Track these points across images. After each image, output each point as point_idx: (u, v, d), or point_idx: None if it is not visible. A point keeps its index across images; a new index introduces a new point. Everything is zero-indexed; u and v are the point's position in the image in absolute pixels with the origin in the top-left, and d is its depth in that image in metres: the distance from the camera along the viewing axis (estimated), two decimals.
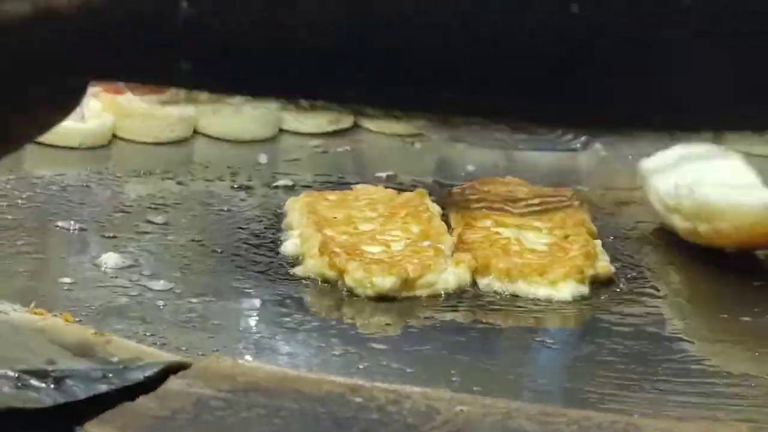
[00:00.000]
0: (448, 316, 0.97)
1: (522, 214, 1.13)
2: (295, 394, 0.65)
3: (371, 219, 1.10)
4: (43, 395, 0.63)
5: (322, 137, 1.41)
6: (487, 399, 0.69)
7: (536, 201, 1.17)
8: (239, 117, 1.40)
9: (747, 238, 1.07)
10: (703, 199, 1.09)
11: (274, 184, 1.25)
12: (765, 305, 1.01)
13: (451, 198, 1.16)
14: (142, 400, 0.62)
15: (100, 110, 1.36)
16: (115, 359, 0.69)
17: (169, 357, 0.71)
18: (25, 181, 1.19)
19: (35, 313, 0.78)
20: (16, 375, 0.64)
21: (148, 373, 0.67)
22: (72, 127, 1.32)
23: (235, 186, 1.24)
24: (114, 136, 1.36)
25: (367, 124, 1.44)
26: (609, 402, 0.81)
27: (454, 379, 0.83)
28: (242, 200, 1.20)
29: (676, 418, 0.77)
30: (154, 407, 0.61)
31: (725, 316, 1.02)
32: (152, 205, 1.15)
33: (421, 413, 0.64)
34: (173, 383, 0.65)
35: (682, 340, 0.96)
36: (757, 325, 0.99)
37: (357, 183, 1.21)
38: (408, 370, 0.85)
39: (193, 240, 1.07)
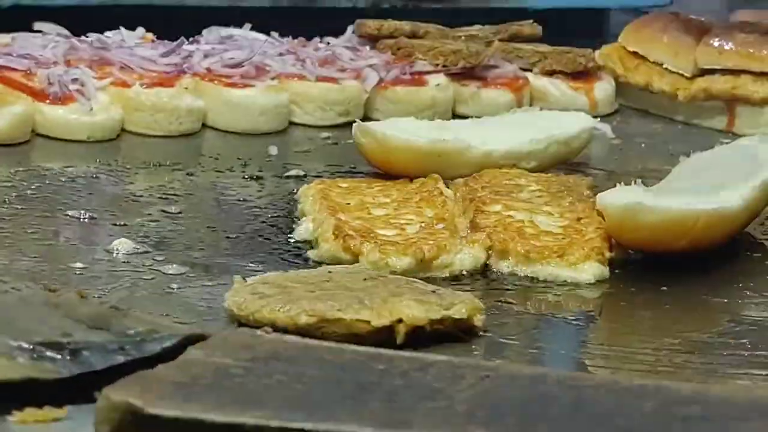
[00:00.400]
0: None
1: (528, 200, 1.12)
2: (316, 362, 0.65)
3: (384, 204, 1.10)
4: (59, 366, 0.64)
5: (332, 129, 1.41)
6: (514, 365, 0.69)
7: (539, 188, 1.17)
8: (249, 109, 1.40)
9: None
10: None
11: (286, 174, 1.25)
12: None
13: (455, 188, 1.16)
14: (161, 368, 0.63)
15: (108, 103, 1.36)
16: (132, 331, 0.69)
17: (187, 329, 0.72)
18: (34, 173, 1.19)
19: (50, 290, 0.78)
20: (32, 347, 0.65)
21: (167, 344, 0.68)
22: (80, 120, 1.33)
23: (246, 177, 1.24)
24: (123, 129, 1.36)
25: (377, 115, 1.44)
26: None
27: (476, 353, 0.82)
28: (254, 190, 1.20)
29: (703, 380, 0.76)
30: (173, 374, 0.62)
31: None
32: (163, 196, 1.15)
33: (446, 378, 0.63)
34: (192, 353, 0.66)
35: None
36: None
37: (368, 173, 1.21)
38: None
39: (206, 227, 1.07)
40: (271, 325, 0.77)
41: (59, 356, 0.64)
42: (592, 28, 1.98)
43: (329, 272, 0.91)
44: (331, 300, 0.82)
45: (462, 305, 0.84)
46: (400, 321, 0.81)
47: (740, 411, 0.61)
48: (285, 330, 0.78)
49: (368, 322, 0.80)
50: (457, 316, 0.84)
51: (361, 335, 0.79)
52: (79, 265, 0.95)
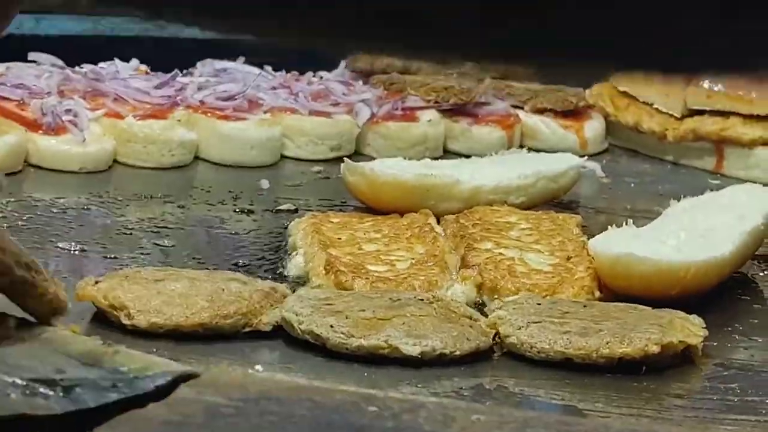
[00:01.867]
0: None
1: (518, 238, 1.12)
2: (307, 403, 0.65)
3: (376, 240, 1.10)
4: (52, 403, 0.64)
5: (324, 163, 1.41)
6: (504, 408, 0.68)
7: (529, 226, 1.17)
8: (241, 142, 1.40)
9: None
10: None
11: (277, 208, 1.25)
12: None
13: (445, 224, 1.16)
14: (152, 407, 0.63)
15: (101, 134, 1.36)
16: (125, 368, 0.69)
17: (178, 367, 0.71)
18: (25, 204, 1.18)
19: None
20: (25, 383, 0.65)
21: (159, 382, 0.68)
22: (73, 151, 1.32)
23: (237, 210, 1.23)
24: (115, 160, 1.36)
25: (368, 150, 1.45)
26: None
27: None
28: (245, 224, 1.20)
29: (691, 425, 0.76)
30: (164, 413, 0.62)
31: None
32: (154, 228, 1.15)
33: (437, 421, 0.63)
34: (183, 392, 0.66)
35: None
36: None
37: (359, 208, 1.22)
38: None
39: (194, 259, 1.06)
40: None
41: (52, 393, 0.64)
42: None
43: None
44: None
45: None
46: None
47: None
48: None
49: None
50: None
51: None
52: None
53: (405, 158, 1.30)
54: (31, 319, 0.77)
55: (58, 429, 0.62)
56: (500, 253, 1.09)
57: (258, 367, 0.73)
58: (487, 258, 1.07)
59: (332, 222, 1.14)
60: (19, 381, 0.64)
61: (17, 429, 0.61)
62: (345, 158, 1.27)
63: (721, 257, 1.05)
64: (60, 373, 0.66)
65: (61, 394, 0.64)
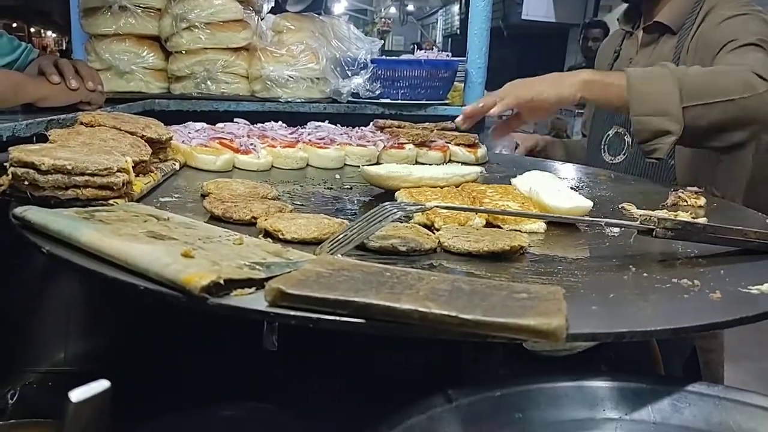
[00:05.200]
0: None
1: (491, 196, 1.06)
2: (360, 271, 0.64)
3: (436, 198, 1.02)
4: (261, 273, 0.62)
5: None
6: (443, 274, 0.66)
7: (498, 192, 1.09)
8: (327, 158, 1.38)
9: None
10: (537, 198, 1.04)
11: (344, 187, 1.21)
12: None
13: (461, 192, 1.10)
14: (293, 272, 0.61)
15: (266, 155, 1.35)
16: (293, 258, 0.68)
17: (310, 256, 0.69)
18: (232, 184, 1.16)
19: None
20: (249, 264, 0.63)
21: (303, 263, 0.66)
22: (254, 162, 1.32)
23: (327, 188, 1.20)
24: (272, 166, 1.35)
25: (383, 162, 1.42)
26: None
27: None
28: (329, 193, 1.15)
29: None
30: (298, 275, 0.61)
31: None
32: (290, 195, 1.10)
33: (415, 279, 0.61)
34: (306, 265, 0.64)
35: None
36: None
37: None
38: None
39: (309, 208, 1.02)
40: None
41: (260, 268, 0.62)
42: (477, 123, 1.98)
43: None
44: None
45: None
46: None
47: None
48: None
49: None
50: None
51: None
52: None
53: (397, 164, 1.28)
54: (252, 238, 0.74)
55: (263, 286, 0.59)
56: (496, 203, 1.02)
57: (338, 254, 0.72)
58: (492, 206, 1.00)
59: (413, 192, 1.06)
60: (246, 262, 0.63)
61: (246, 284, 0.59)
62: (362, 166, 1.22)
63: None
64: (263, 259, 0.65)
65: (265, 268, 0.63)
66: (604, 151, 1.72)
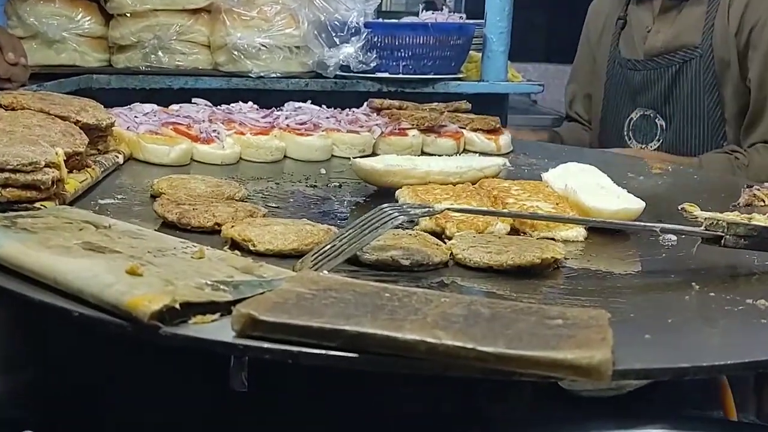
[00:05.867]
0: None
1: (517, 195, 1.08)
2: (351, 291, 0.64)
3: (448, 198, 1.04)
4: (227, 294, 0.62)
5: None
6: (456, 294, 0.67)
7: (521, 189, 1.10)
8: (310, 148, 1.39)
9: None
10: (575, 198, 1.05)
11: (330, 184, 1.22)
12: None
13: (478, 190, 1.10)
14: (267, 294, 0.62)
15: (232, 143, 1.37)
16: (266, 275, 0.68)
17: (287, 272, 0.70)
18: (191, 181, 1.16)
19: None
20: (211, 283, 0.64)
21: (279, 282, 0.66)
22: (217, 153, 1.34)
23: (308, 185, 1.21)
24: (240, 158, 1.35)
25: (380, 152, 1.43)
26: None
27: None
28: (312, 192, 1.16)
29: None
30: (273, 297, 0.61)
31: None
32: (262, 195, 1.12)
33: (422, 302, 0.62)
34: (283, 285, 0.65)
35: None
36: None
37: None
38: None
39: (287, 211, 1.04)
40: None
41: (226, 288, 0.63)
42: (499, 104, 1.99)
43: None
44: None
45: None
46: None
47: None
48: None
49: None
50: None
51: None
52: None
53: (397, 156, 1.28)
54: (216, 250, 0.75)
55: (228, 309, 0.61)
56: (522, 204, 1.02)
57: (324, 271, 0.72)
58: (517, 207, 1.01)
59: (418, 190, 1.07)
60: (208, 282, 0.64)
61: (207, 309, 0.60)
62: (352, 158, 1.22)
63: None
64: (230, 277, 0.66)
65: (232, 288, 0.63)
66: (630, 138, 1.73)
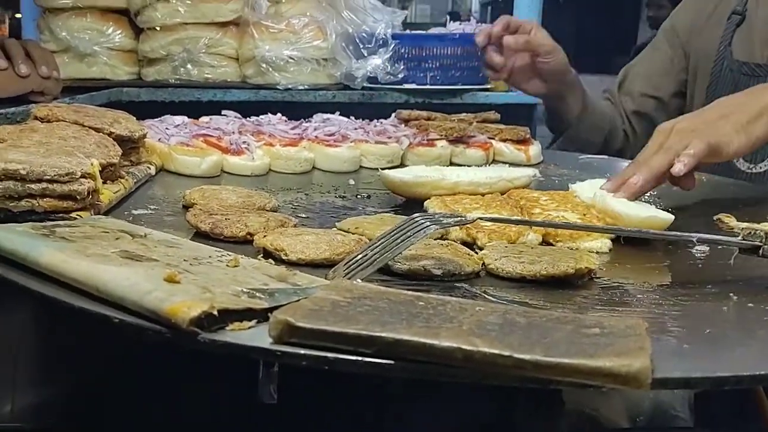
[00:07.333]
0: None
1: (544, 205, 1.08)
2: (386, 300, 0.64)
3: (477, 207, 1.05)
4: (263, 302, 0.63)
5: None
6: (490, 303, 0.67)
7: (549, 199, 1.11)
8: (338, 159, 1.40)
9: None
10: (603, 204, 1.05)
11: (358, 195, 1.23)
12: None
13: (507, 201, 1.10)
14: (303, 301, 0.62)
15: (262, 155, 1.38)
16: (300, 283, 0.69)
17: (321, 281, 0.70)
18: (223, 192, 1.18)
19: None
20: (248, 290, 0.64)
21: (314, 290, 0.67)
22: (247, 164, 1.35)
23: (337, 196, 1.22)
24: (270, 169, 1.36)
25: (408, 163, 1.43)
26: None
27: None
28: (341, 202, 1.17)
29: None
30: (309, 304, 0.61)
31: None
32: (293, 205, 1.13)
33: (456, 310, 0.62)
34: (319, 293, 0.65)
35: None
36: None
37: None
38: None
39: (316, 222, 1.04)
40: None
41: (262, 296, 0.63)
42: (527, 114, 1.99)
43: None
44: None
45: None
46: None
47: None
48: None
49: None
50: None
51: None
52: None
53: (426, 166, 1.28)
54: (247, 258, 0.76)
55: (265, 316, 0.61)
56: (549, 214, 1.03)
57: (357, 280, 0.73)
58: (543, 217, 1.02)
59: (447, 200, 1.08)
60: (244, 289, 0.64)
61: (244, 316, 0.61)
62: (381, 169, 1.22)
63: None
64: (265, 285, 0.66)
65: (267, 296, 0.64)
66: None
